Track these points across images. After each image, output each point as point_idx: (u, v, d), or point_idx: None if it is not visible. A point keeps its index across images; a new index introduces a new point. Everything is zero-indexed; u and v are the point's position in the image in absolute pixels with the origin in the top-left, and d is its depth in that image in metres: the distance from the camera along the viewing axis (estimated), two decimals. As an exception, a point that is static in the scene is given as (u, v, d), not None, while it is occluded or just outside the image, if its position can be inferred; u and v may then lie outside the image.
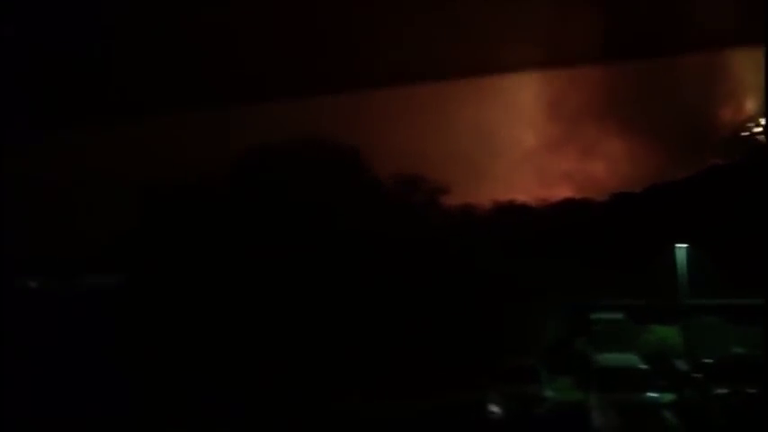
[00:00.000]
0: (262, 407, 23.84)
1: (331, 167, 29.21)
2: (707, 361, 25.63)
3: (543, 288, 34.59)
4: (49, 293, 29.98)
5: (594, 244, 39.49)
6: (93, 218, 35.02)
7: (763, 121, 65.71)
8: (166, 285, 29.15)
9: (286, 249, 27.37)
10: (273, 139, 33.00)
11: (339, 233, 25.54)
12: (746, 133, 65.12)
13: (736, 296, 35.74)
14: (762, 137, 63.76)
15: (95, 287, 30.26)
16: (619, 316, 36.42)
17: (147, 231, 32.89)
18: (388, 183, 32.27)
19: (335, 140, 33.47)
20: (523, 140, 72.72)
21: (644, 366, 24.57)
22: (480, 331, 30.39)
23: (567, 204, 50.34)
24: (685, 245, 35.66)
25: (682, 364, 27.77)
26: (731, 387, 22.07)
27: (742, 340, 33.17)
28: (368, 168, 32.99)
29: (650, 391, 22.84)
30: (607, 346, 31.52)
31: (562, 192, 56.92)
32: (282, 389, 24.46)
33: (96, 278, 31.40)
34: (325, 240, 25.44)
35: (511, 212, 43.63)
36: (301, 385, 24.42)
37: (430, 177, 33.75)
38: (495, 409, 24.09)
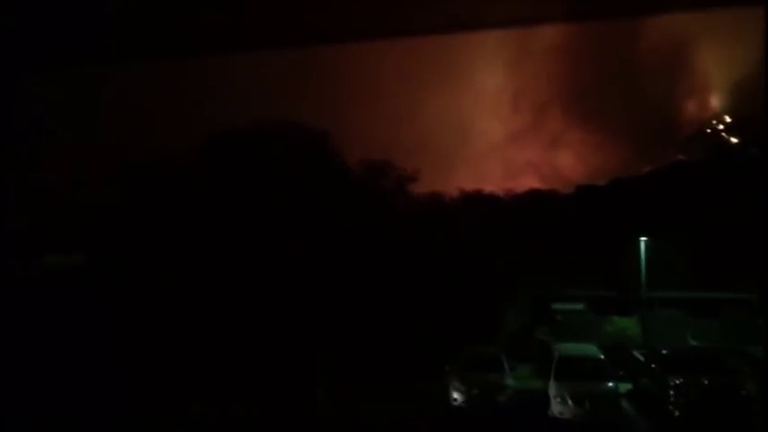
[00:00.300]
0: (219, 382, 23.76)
1: (300, 151, 29.05)
2: (664, 352, 26.16)
3: (507, 278, 34.94)
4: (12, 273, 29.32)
5: (558, 235, 39.98)
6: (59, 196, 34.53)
7: (727, 119, 67.18)
8: (134, 267, 28.76)
9: (252, 232, 27.21)
10: (243, 122, 32.80)
11: (307, 218, 25.45)
12: (710, 130, 66.53)
13: (694, 289, 36.55)
14: (725, 134, 65.17)
15: (61, 267, 29.65)
16: (580, 306, 36.99)
17: (117, 211, 32.40)
18: (356, 168, 32.22)
19: (305, 125, 33.26)
20: (490, 131, 73.41)
21: (603, 356, 24.99)
22: (444, 319, 30.60)
23: (533, 195, 50.85)
24: (646, 238, 36.24)
25: (639, 355, 28.29)
26: (686, 378, 22.58)
27: (698, 333, 34.04)
28: (337, 153, 32.86)
29: (608, 381, 23.26)
30: (568, 336, 32.06)
31: (527, 182, 57.63)
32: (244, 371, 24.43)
33: (61, 257, 30.78)
34: (293, 225, 25.32)
35: (477, 202, 43.94)
36: (267, 368, 24.39)
37: (398, 165, 33.80)
38: (457, 395, 24.34)
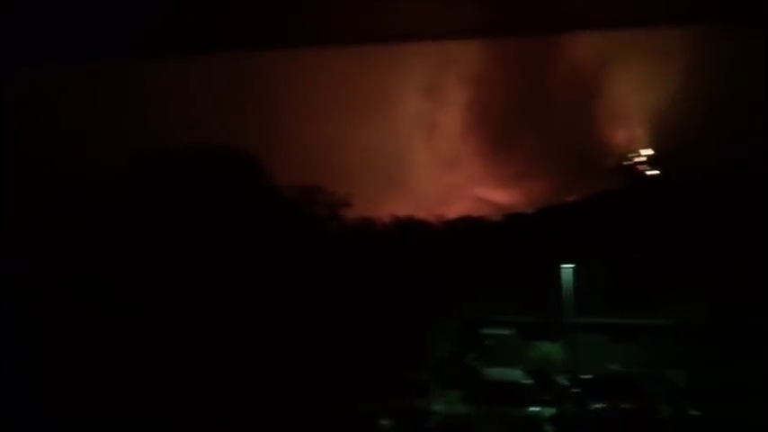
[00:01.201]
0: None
1: (227, 175, 28.56)
2: (585, 377, 26.79)
3: (436, 303, 35.18)
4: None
5: (487, 261, 40.58)
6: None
7: (646, 152, 70.10)
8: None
9: (178, 257, 26.60)
10: (170, 142, 32.04)
11: (234, 243, 25.05)
12: (629, 162, 69.18)
13: (616, 315, 37.65)
14: (644, 166, 67.94)
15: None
16: (507, 332, 37.58)
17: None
18: (287, 193, 31.92)
19: (233, 147, 32.73)
20: (422, 157, 74.24)
21: (528, 381, 25.42)
22: (372, 345, 30.54)
23: (463, 222, 51.52)
24: (571, 265, 37.15)
25: (563, 380, 28.87)
26: (606, 402, 23.21)
27: (618, 358, 35.03)
28: (267, 177, 32.50)
29: (533, 405, 23.67)
30: (495, 362, 32.49)
31: (458, 211, 58.36)
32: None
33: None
34: (219, 250, 24.86)
35: (408, 227, 44.20)
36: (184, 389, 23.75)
37: (329, 189, 33.66)
38: (385, 422, 24.29)
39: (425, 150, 74.19)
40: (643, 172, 67.91)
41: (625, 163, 69.09)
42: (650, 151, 69.70)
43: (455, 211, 58.65)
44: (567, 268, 37.14)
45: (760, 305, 37.20)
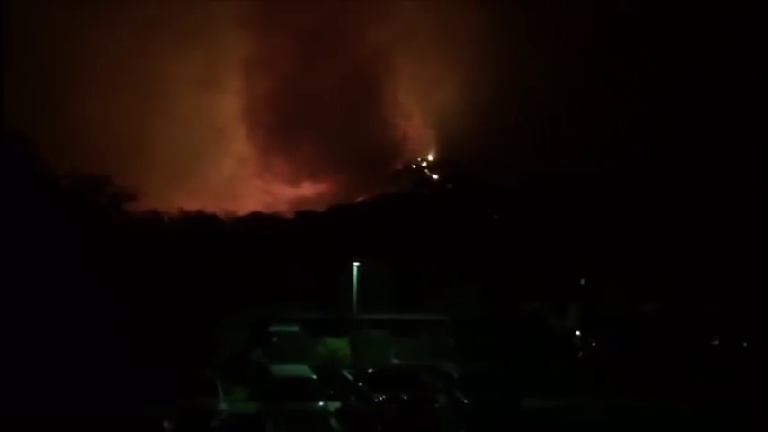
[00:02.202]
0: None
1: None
2: (369, 370, 28.00)
3: (223, 300, 34.77)
4: None
5: (276, 258, 40.86)
6: None
7: (430, 157, 74.63)
8: None
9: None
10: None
11: (8, 236, 22.92)
12: (415, 166, 73.22)
13: (398, 311, 39.77)
14: (427, 171, 72.29)
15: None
16: (295, 328, 38.16)
17: None
18: (66, 182, 29.71)
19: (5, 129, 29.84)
20: (214, 153, 72.91)
21: (314, 376, 25.99)
22: (157, 343, 29.47)
23: (253, 219, 51.43)
24: (358, 263, 38.56)
25: (348, 374, 29.90)
26: (388, 394, 24.46)
27: (400, 351, 37.09)
28: (44, 163, 30.03)
29: (319, 400, 24.26)
30: (283, 358, 32.83)
31: (248, 206, 58.19)
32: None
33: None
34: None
35: (197, 222, 43.21)
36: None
37: (116, 180, 31.92)
38: (167, 423, 23.52)
39: (214, 144, 73.11)
40: (426, 175, 72.27)
41: (411, 166, 73.10)
42: (433, 155, 74.44)
43: (245, 207, 58.42)
44: (353, 266, 38.46)
45: (522, 301, 41.34)
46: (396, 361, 36.29)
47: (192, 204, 45.66)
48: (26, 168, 27.64)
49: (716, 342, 38.44)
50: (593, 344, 39.07)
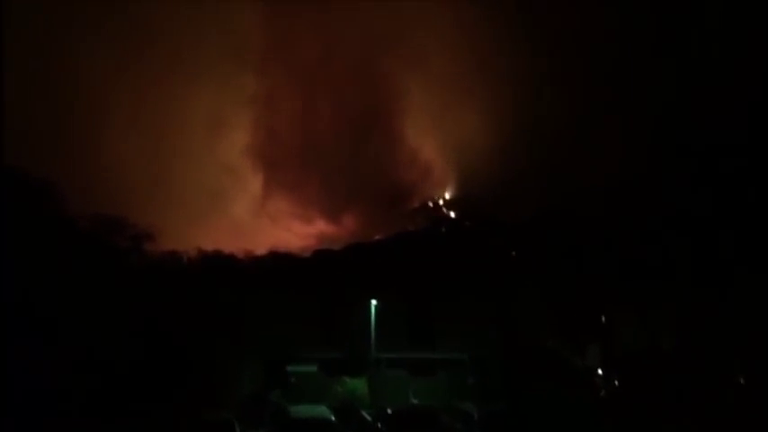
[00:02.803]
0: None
1: (21, 202, 26.21)
2: (388, 411, 27.66)
3: (240, 339, 34.67)
4: None
5: (293, 297, 40.72)
6: None
7: (447, 195, 74.74)
8: None
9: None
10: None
11: (29, 276, 23.09)
12: (432, 204, 73.30)
13: (416, 350, 39.37)
14: (444, 209, 72.35)
15: None
16: (313, 369, 37.84)
17: None
18: (85, 223, 29.98)
19: (27, 170, 30.20)
20: (232, 191, 73.54)
21: (333, 418, 25.69)
22: (174, 384, 29.36)
23: (270, 257, 51.45)
24: (375, 302, 38.33)
25: (367, 415, 29.54)
26: (405, 434, 24.17)
27: (419, 391, 36.64)
28: (63, 206, 30.36)
29: (338, 441, 23.97)
30: (301, 398, 32.53)
31: (266, 245, 58.25)
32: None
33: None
34: (16, 282, 22.70)
35: (215, 263, 43.31)
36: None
37: (136, 221, 32.21)
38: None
39: (231, 183, 73.75)
40: (443, 213, 72.28)
41: (428, 203, 73.23)
42: (450, 193, 74.57)
43: (262, 245, 58.54)
44: (370, 304, 38.23)
45: (539, 341, 40.81)
46: (415, 401, 35.81)
47: (209, 243, 45.86)
48: (48, 211, 28.00)
49: (741, 381, 37.58)
50: (616, 382, 38.40)
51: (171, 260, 37.75)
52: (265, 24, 73.90)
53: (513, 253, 49.08)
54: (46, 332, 23.64)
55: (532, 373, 36.80)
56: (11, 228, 22.68)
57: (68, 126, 61.97)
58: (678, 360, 38.34)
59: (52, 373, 23.68)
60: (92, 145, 62.75)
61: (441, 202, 74.44)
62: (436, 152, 76.92)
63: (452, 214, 71.76)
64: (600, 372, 39.68)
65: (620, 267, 44.05)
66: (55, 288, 24.13)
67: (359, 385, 37.04)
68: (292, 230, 73.92)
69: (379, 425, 26.51)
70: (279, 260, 52.96)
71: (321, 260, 54.25)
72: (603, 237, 48.21)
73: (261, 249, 53.96)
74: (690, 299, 40.87)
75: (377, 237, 62.64)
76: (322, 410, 26.81)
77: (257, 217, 73.00)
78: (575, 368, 39.49)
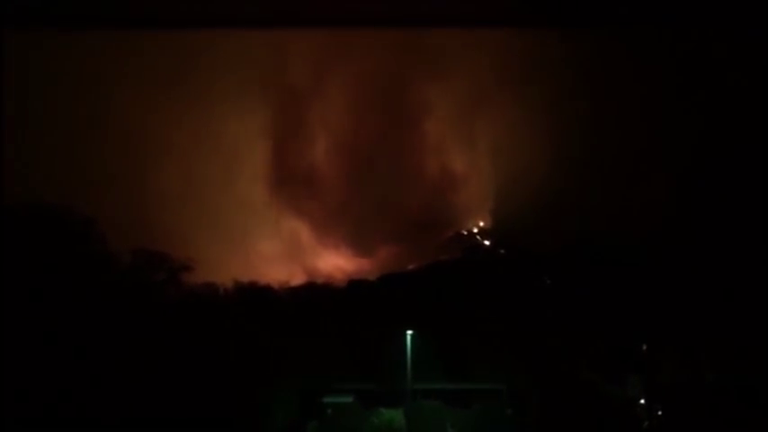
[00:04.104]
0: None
1: (61, 238, 26.77)
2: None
3: (277, 370, 34.72)
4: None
5: (329, 328, 40.71)
6: None
7: (481, 224, 74.29)
8: None
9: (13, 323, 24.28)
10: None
11: (70, 309, 23.55)
12: (466, 232, 72.85)
13: (454, 381, 38.96)
14: (478, 237, 71.85)
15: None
16: (349, 399, 37.64)
17: None
18: (125, 258, 30.52)
19: (69, 208, 30.85)
20: (267, 223, 74.04)
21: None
22: (210, 416, 29.49)
23: (305, 290, 51.54)
24: (411, 332, 38.12)
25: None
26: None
27: (456, 422, 36.18)
28: (102, 242, 30.95)
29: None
30: (337, 430, 32.36)
31: (300, 277, 58.48)
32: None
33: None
34: (55, 316, 23.20)
35: (251, 295, 43.53)
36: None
37: (171, 254, 32.63)
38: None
39: (266, 214, 74.30)
40: (478, 242, 71.83)
41: (462, 232, 72.84)
42: (485, 222, 74.16)
43: (297, 276, 58.74)
44: (406, 335, 38.02)
45: (577, 371, 40.16)
46: (452, 432, 35.41)
47: (245, 275, 46.11)
48: (87, 247, 28.56)
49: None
50: (659, 412, 37.56)
51: (207, 292, 38.11)
52: (303, 53, 74.55)
53: (549, 281, 48.51)
54: (88, 362, 24.03)
55: (571, 403, 36.20)
56: (53, 263, 23.22)
57: (108, 165, 63.25)
58: (721, 391, 37.46)
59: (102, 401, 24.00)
60: (131, 182, 63.89)
61: (475, 230, 74.01)
62: (470, 180, 76.67)
63: (486, 243, 71.24)
64: (642, 402, 38.84)
65: (661, 297, 43.36)
66: (97, 319, 24.55)
67: (396, 416, 36.68)
68: (327, 262, 74.06)
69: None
70: (314, 291, 53.02)
71: (356, 291, 54.15)
72: (642, 266, 47.56)
73: (296, 281, 54.09)
74: (731, 329, 40.07)
75: (411, 267, 62.41)
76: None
77: (292, 248, 73.23)
78: (615, 398, 38.73)
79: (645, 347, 41.21)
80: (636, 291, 44.23)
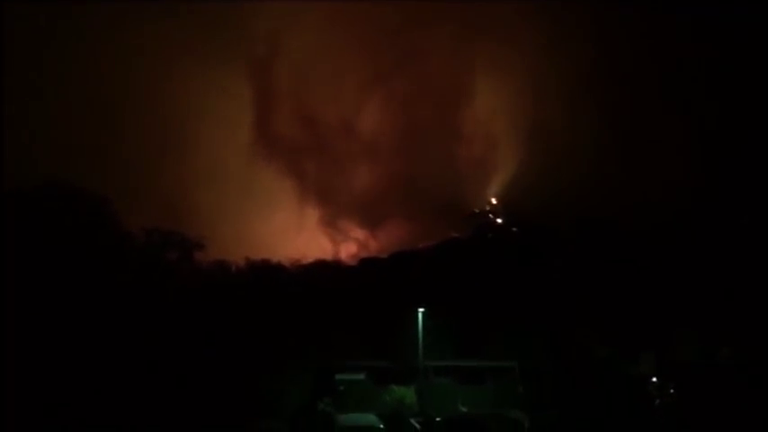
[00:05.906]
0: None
1: (78, 217, 27.01)
2: (437, 419, 27.53)
3: (289, 349, 34.92)
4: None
5: (341, 306, 40.86)
6: None
7: (493, 201, 74.04)
8: None
9: (28, 301, 24.57)
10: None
11: (84, 288, 23.76)
12: (478, 210, 72.70)
13: (465, 358, 39.07)
14: (491, 215, 71.68)
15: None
16: (361, 377, 37.86)
17: None
18: (139, 237, 30.73)
19: (83, 188, 31.10)
20: (279, 201, 74.26)
21: (381, 426, 25.71)
22: (224, 393, 29.76)
23: (317, 268, 51.69)
24: (422, 309, 38.17)
25: (416, 423, 29.43)
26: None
27: (467, 399, 36.29)
28: (116, 220, 31.16)
29: (387, 449, 23.97)
30: (350, 407, 32.60)
31: (312, 255, 58.64)
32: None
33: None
34: (70, 294, 23.40)
35: (263, 273, 43.75)
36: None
37: (185, 232, 32.82)
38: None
39: (277, 192, 74.45)
40: (491, 219, 71.67)
41: (475, 210, 72.66)
42: (496, 199, 73.93)
43: (309, 254, 58.89)
44: (418, 312, 38.07)
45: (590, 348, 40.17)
46: (463, 409, 35.48)
47: (257, 253, 46.32)
48: (102, 225, 28.75)
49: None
50: (672, 390, 37.50)
51: (219, 270, 38.30)
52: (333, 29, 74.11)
53: (561, 259, 48.33)
54: (102, 340, 24.26)
55: (583, 380, 36.20)
56: (68, 242, 23.39)
57: (122, 145, 63.64)
58: (736, 369, 37.35)
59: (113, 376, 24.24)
60: (145, 160, 64.26)
61: (487, 208, 73.71)
62: (484, 157, 76.32)
63: (499, 220, 71.00)
64: (654, 380, 38.79)
65: (675, 273, 43.17)
66: (107, 300, 24.75)
67: (407, 393, 36.81)
68: (338, 239, 74.21)
69: (428, 433, 26.40)
70: (326, 269, 53.18)
71: (368, 268, 54.30)
72: (657, 243, 47.33)
73: (308, 258, 54.28)
74: (748, 308, 39.87)
75: (423, 244, 62.37)
76: (371, 419, 26.93)
77: (303, 226, 73.37)
78: (627, 375, 38.69)
79: (658, 324, 41.08)
80: (649, 267, 44.06)
